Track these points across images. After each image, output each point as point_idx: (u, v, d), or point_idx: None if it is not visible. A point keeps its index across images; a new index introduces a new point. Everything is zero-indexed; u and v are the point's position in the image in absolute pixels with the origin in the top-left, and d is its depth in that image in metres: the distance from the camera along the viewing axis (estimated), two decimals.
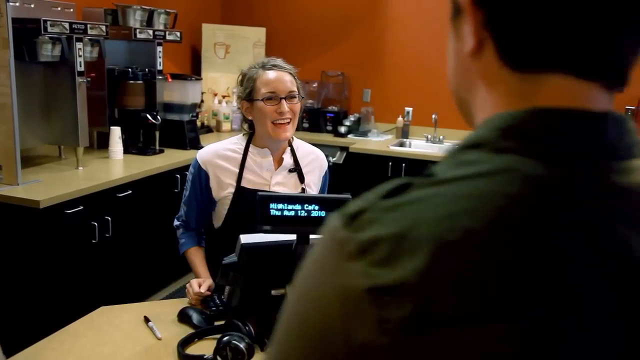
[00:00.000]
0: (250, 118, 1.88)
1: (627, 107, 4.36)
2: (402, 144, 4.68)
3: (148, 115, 3.61)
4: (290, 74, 1.87)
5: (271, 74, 1.83)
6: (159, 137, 3.71)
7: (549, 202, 0.45)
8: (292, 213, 1.36)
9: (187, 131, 3.87)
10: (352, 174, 4.37)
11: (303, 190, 1.94)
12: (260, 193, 1.35)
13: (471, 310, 0.41)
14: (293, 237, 1.43)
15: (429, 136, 4.71)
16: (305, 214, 1.36)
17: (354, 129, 4.78)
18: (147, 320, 1.61)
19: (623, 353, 0.43)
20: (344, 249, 0.44)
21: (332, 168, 4.26)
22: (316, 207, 1.37)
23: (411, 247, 0.43)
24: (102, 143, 3.61)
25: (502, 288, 0.42)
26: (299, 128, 4.90)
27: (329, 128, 4.80)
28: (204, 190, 1.88)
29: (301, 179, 1.94)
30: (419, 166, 4.19)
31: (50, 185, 2.85)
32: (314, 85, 4.98)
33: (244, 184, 1.87)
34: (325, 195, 1.40)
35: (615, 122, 0.49)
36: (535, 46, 0.48)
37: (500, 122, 0.49)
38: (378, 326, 0.42)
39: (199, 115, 4.31)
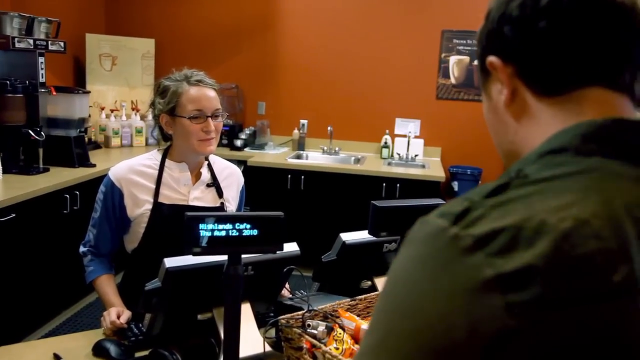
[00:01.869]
0: (170, 132, 1.80)
1: None
2: (299, 156, 4.70)
3: (30, 131, 3.33)
4: (215, 89, 1.81)
5: (197, 91, 1.76)
6: (43, 154, 3.43)
7: (635, 193, 0.52)
8: (223, 233, 1.30)
9: (74, 147, 3.61)
10: (251, 187, 4.30)
11: (222, 204, 1.88)
12: (188, 213, 1.28)
13: (595, 289, 0.46)
14: (221, 257, 1.37)
15: (325, 148, 4.77)
16: (237, 234, 1.31)
17: (250, 142, 4.73)
18: (57, 357, 1.46)
19: None
20: (458, 245, 0.48)
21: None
22: (248, 226, 1.31)
23: (530, 236, 0.47)
24: None
25: (617, 268, 0.47)
26: None
27: (225, 142, 4.71)
28: (117, 210, 1.76)
29: (219, 193, 1.88)
30: (317, 178, 4.23)
31: None
32: None
33: (161, 199, 1.78)
34: (257, 213, 1.35)
35: None
36: (566, 72, 0.59)
37: (581, 129, 0.57)
38: (506, 311, 0.45)
39: (87, 131, 4.04)
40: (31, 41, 3.38)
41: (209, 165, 1.90)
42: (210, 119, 1.77)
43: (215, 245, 1.30)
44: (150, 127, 4.63)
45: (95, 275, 1.77)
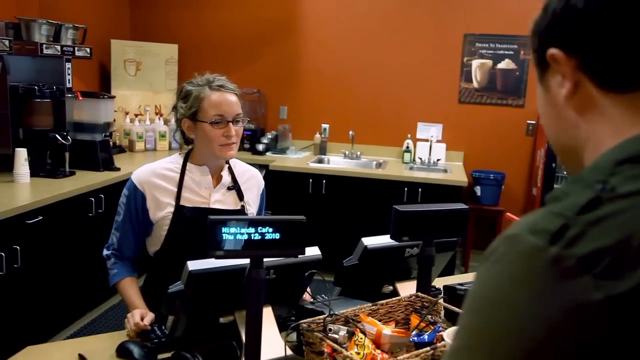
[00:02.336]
0: (192, 137, 1.82)
1: (528, 121, 4.65)
2: (320, 161, 4.71)
3: (57, 136, 3.39)
4: (236, 94, 1.83)
5: (219, 96, 1.78)
6: (70, 158, 3.49)
7: None
8: (245, 237, 1.31)
9: (99, 151, 3.67)
10: (272, 191, 4.32)
11: (243, 207, 1.89)
12: (211, 217, 1.29)
13: None
14: (243, 261, 1.38)
15: (347, 152, 4.77)
16: (259, 237, 1.32)
17: (272, 147, 4.75)
18: (82, 358, 1.49)
19: None
20: (561, 266, 0.46)
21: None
22: (270, 230, 1.32)
23: (636, 256, 0.45)
24: (5, 166, 3.34)
25: None
26: None
27: (247, 146, 4.75)
28: (139, 213, 1.79)
29: (240, 196, 1.90)
30: (339, 182, 4.23)
31: None
32: None
33: (182, 202, 1.80)
34: (279, 217, 1.35)
35: None
36: (635, 67, 0.56)
37: None
38: (616, 336, 0.44)
39: (112, 135, 4.11)
40: (58, 47, 3.45)
41: (230, 169, 1.92)
42: (231, 124, 1.78)
43: (237, 248, 1.31)
44: (173, 131, 4.68)
45: (118, 277, 1.80)
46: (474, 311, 0.52)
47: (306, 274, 1.54)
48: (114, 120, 4.17)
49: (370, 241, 1.72)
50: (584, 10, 0.58)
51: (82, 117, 3.69)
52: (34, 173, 3.32)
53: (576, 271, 0.46)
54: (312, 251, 1.55)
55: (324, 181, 4.26)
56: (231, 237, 1.30)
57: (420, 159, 4.66)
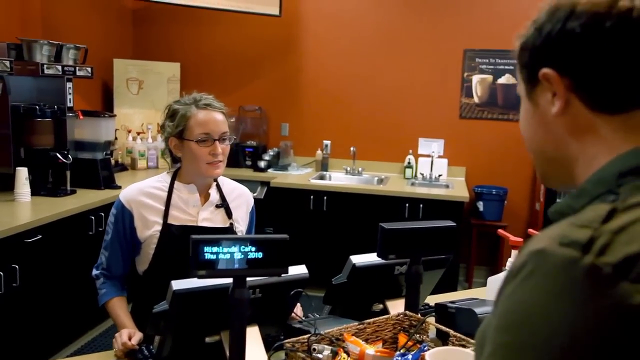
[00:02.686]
0: (179, 155, 1.83)
1: None
2: (322, 177, 4.71)
3: (58, 154, 3.42)
4: (223, 113, 1.84)
5: (205, 115, 1.79)
6: (71, 177, 3.52)
7: None
8: (228, 256, 1.31)
9: (100, 170, 3.69)
10: (273, 208, 4.34)
11: (231, 225, 1.89)
12: (193, 236, 1.29)
13: None
14: (228, 280, 1.38)
15: (348, 168, 4.77)
16: (242, 256, 1.32)
17: (274, 164, 4.77)
18: None
19: None
20: (598, 274, 0.48)
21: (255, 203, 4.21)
22: (253, 249, 1.32)
23: None
24: (6, 185, 3.36)
25: None
26: None
27: (248, 163, 4.76)
28: (127, 232, 1.79)
29: (229, 214, 1.90)
30: (341, 198, 4.23)
31: None
32: (232, 120, 4.93)
33: (170, 220, 1.80)
34: (262, 236, 1.35)
35: None
36: (627, 91, 0.60)
37: None
38: None
39: (113, 153, 4.14)
40: (59, 67, 3.49)
41: (218, 186, 1.92)
42: (217, 142, 1.79)
43: (220, 268, 1.31)
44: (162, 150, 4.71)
45: (107, 297, 1.80)
46: (510, 329, 0.52)
47: (292, 292, 1.53)
48: (116, 139, 4.21)
49: (359, 259, 1.71)
50: (580, 35, 0.62)
51: (83, 135, 3.72)
52: (35, 192, 3.35)
53: (613, 278, 0.47)
54: (299, 270, 1.55)
55: (325, 198, 4.26)
56: (213, 257, 1.30)
57: (422, 174, 4.65)
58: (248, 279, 1.35)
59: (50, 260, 3.09)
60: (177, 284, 1.39)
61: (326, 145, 4.90)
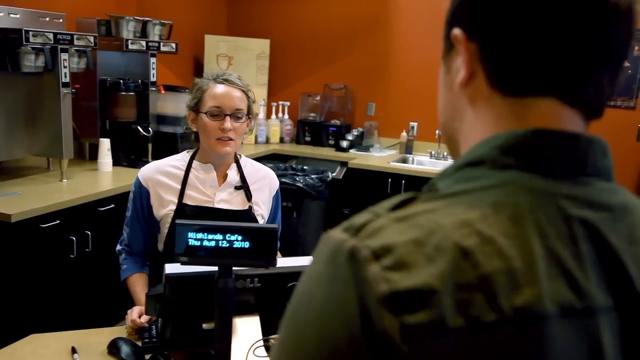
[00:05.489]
0: (195, 129, 1.81)
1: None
2: (404, 160, 4.54)
3: (139, 127, 3.56)
4: (243, 91, 1.78)
5: (220, 88, 1.75)
6: (152, 149, 3.65)
7: (549, 209, 0.49)
8: (213, 244, 1.25)
9: (180, 143, 3.80)
10: (351, 189, 4.26)
11: (250, 208, 1.84)
12: (178, 221, 1.25)
13: (494, 313, 0.42)
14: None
15: (433, 152, 4.56)
16: (227, 245, 1.26)
17: (357, 144, 4.66)
18: (73, 351, 1.52)
19: None
20: (355, 256, 0.45)
21: (330, 183, 4.16)
22: (239, 238, 1.26)
23: (430, 253, 0.44)
24: (94, 155, 3.57)
25: (520, 290, 0.44)
26: (301, 141, 4.81)
27: (331, 142, 4.70)
28: (145, 210, 1.80)
29: (248, 196, 1.84)
30: (418, 183, 4.05)
31: (27, 198, 2.79)
32: (317, 98, 4.88)
33: (185, 200, 1.78)
34: (249, 225, 1.29)
35: (597, 145, 0.53)
36: (527, 74, 0.53)
37: (500, 141, 0.53)
38: (400, 334, 0.42)
39: None
40: (143, 43, 3.61)
41: (240, 168, 1.86)
42: (228, 117, 1.73)
43: (203, 255, 1.26)
44: (260, 125, 4.75)
45: (127, 273, 1.82)
46: (285, 318, 0.51)
47: (289, 285, 1.45)
48: None
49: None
50: None
51: (165, 109, 3.84)
52: (117, 162, 3.52)
53: (368, 261, 0.45)
54: (303, 261, 1.46)
55: (403, 181, 4.10)
56: (197, 243, 1.25)
57: None
58: (234, 268, 1.29)
59: (120, 228, 3.23)
60: (171, 268, 1.37)
61: (412, 127, 4.71)
